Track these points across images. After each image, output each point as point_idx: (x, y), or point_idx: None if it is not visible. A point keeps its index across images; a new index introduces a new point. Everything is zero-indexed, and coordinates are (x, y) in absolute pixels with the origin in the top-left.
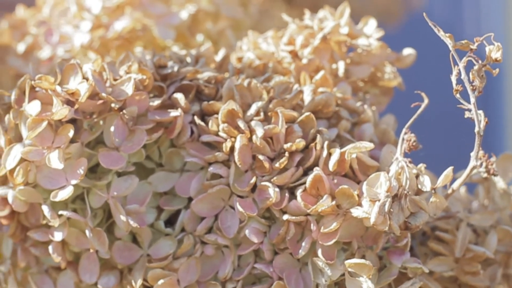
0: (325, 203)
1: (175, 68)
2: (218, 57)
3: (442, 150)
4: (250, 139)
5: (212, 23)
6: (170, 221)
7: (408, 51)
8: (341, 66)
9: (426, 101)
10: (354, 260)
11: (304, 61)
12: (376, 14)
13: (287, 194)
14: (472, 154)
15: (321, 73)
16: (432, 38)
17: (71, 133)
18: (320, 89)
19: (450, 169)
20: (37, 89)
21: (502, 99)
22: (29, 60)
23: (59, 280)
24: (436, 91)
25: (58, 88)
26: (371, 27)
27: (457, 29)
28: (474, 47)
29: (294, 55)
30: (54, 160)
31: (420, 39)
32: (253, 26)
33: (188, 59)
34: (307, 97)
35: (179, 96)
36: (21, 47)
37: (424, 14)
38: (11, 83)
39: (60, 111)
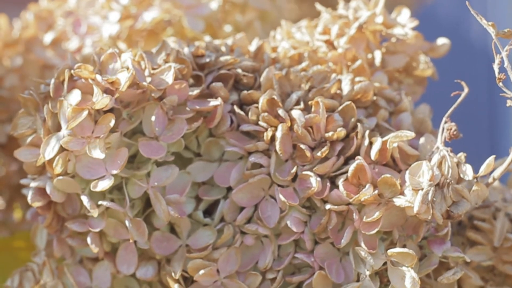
0: (367, 192)
1: (213, 58)
2: (253, 47)
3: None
4: (290, 128)
5: (240, 14)
6: (208, 211)
7: (442, 41)
8: (377, 56)
9: (466, 90)
10: (397, 250)
11: (340, 50)
12: (388, 4)
13: (328, 184)
14: None
15: (358, 62)
16: (439, 32)
17: (112, 123)
18: (358, 78)
19: (492, 158)
20: (75, 78)
21: None
22: (56, 51)
23: (95, 271)
24: (446, 83)
25: (99, 77)
26: (404, 16)
27: (464, 23)
28: None
29: (330, 44)
30: (95, 150)
31: (429, 32)
32: (280, 18)
33: (223, 48)
34: (345, 86)
35: (219, 85)
36: (48, 38)
37: (467, 3)
38: (39, 74)
39: (102, 101)
